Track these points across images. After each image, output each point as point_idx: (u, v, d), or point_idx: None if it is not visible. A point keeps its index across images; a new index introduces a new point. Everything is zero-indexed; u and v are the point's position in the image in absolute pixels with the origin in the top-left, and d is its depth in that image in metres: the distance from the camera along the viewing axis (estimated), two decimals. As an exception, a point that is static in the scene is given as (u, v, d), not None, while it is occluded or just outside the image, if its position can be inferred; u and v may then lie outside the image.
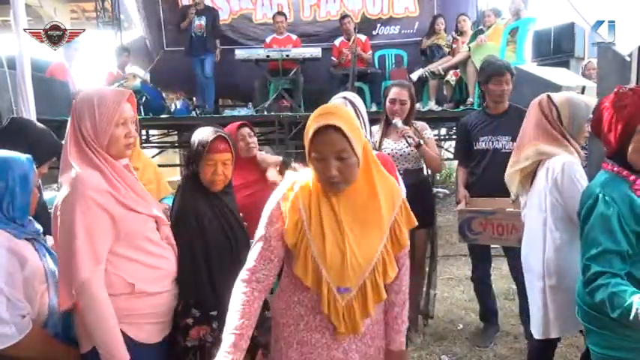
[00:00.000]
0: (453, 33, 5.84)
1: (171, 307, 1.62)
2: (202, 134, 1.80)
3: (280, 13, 6.45)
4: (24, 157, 1.53)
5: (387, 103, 2.90)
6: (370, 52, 6.14)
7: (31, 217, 1.58)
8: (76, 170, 1.43)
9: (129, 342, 1.45)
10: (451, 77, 5.70)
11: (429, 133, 2.98)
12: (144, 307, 1.51)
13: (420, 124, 2.98)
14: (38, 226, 1.59)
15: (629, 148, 1.49)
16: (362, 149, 1.33)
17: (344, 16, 6.25)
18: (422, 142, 2.77)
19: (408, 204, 1.47)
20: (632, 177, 1.51)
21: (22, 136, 1.91)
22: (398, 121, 2.80)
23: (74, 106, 1.51)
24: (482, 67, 3.05)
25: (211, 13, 6.48)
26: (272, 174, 2.49)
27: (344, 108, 1.50)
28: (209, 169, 1.76)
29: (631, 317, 1.30)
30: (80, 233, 1.38)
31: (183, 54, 6.48)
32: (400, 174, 2.38)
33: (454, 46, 5.79)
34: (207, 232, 1.72)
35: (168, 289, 1.60)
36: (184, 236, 1.70)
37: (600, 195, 1.49)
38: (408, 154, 2.86)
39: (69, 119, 1.52)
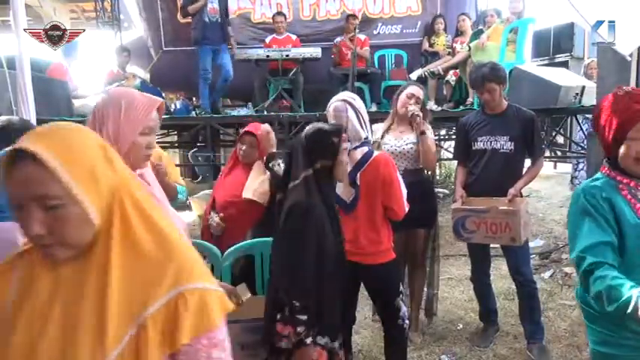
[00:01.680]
0: (449, 37, 5.85)
1: None
2: (325, 126, 1.80)
3: (280, 13, 6.44)
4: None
5: (403, 97, 2.90)
6: (367, 48, 6.13)
7: None
8: None
9: None
10: (451, 77, 5.70)
11: (431, 134, 3.00)
12: None
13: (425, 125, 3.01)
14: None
15: (620, 152, 1.48)
16: (108, 191, 0.86)
17: (351, 16, 6.23)
18: (426, 131, 2.80)
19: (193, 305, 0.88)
20: (624, 179, 1.49)
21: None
22: (413, 106, 2.82)
23: (97, 105, 1.41)
24: (469, 75, 3.11)
25: None
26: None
27: (67, 127, 0.90)
28: (342, 160, 1.74)
29: (629, 310, 1.28)
30: None
31: (192, 42, 5.87)
32: (400, 173, 2.38)
33: (454, 45, 5.78)
34: (327, 233, 1.70)
35: None
36: (309, 233, 1.66)
37: (582, 192, 1.51)
38: (408, 151, 2.86)
39: (88, 118, 1.42)
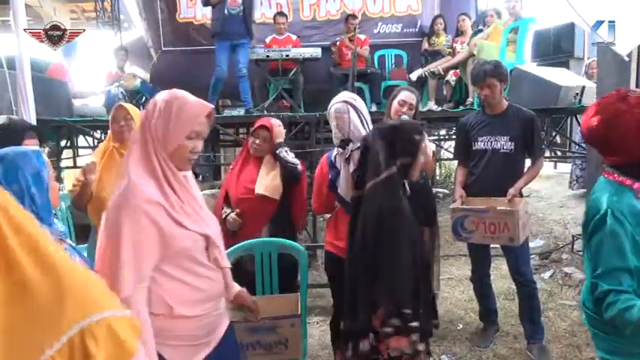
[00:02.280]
0: (449, 37, 5.84)
1: (212, 328, 1.51)
2: (406, 123, 1.81)
3: (281, 13, 6.43)
4: (31, 152, 1.45)
5: (396, 105, 2.86)
6: (367, 47, 6.12)
7: (55, 218, 1.52)
8: (130, 177, 1.34)
9: None
10: (451, 77, 5.70)
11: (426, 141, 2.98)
12: (182, 329, 1.42)
13: None
14: (61, 226, 1.54)
15: None
16: None
17: (351, 16, 6.23)
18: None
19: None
20: (636, 184, 1.46)
21: None
22: (405, 117, 2.80)
23: (152, 103, 1.43)
24: (471, 71, 3.10)
25: None
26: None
27: None
28: (421, 158, 1.73)
29: None
30: (126, 246, 1.27)
31: (210, 33, 5.57)
32: None
33: (454, 45, 5.78)
34: (416, 236, 1.69)
35: (210, 312, 1.48)
36: (403, 237, 1.64)
37: (609, 210, 1.42)
38: None
39: (141, 115, 1.43)
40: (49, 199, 1.45)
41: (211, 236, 1.47)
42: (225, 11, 5.31)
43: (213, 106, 1.50)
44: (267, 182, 2.60)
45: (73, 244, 1.54)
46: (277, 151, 2.62)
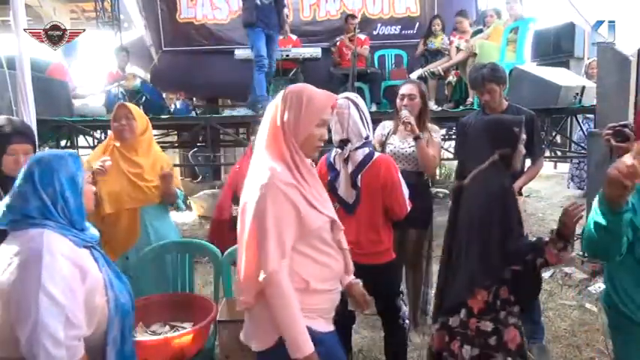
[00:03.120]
0: (447, 38, 5.83)
1: (334, 306, 1.63)
2: (505, 117, 1.91)
3: None
4: (68, 155, 1.48)
5: (398, 100, 2.92)
6: (367, 46, 6.12)
7: (88, 223, 1.54)
8: (267, 162, 1.47)
9: (310, 331, 1.45)
10: (452, 78, 5.70)
11: (437, 137, 2.98)
12: (316, 302, 1.52)
13: (432, 127, 2.99)
14: (94, 232, 1.55)
15: None
16: None
17: (351, 16, 6.22)
18: (421, 135, 2.77)
19: None
20: None
21: None
22: (405, 111, 2.81)
23: (285, 95, 1.54)
24: (469, 76, 3.10)
25: None
26: None
27: None
28: (521, 150, 1.83)
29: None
30: (270, 224, 1.39)
31: (242, 23, 5.35)
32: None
33: (452, 38, 5.74)
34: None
35: (335, 288, 1.62)
36: (512, 216, 1.72)
37: None
38: (410, 154, 2.86)
39: (275, 108, 1.54)
40: (82, 203, 1.47)
41: (336, 219, 1.60)
42: (258, 1, 5.12)
43: (337, 97, 1.66)
44: None
45: (102, 252, 1.55)
46: None
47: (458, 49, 5.47)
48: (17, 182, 1.43)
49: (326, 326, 1.56)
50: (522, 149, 1.88)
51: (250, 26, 5.18)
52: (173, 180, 2.64)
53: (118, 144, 2.62)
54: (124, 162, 2.59)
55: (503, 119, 2.01)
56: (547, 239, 1.70)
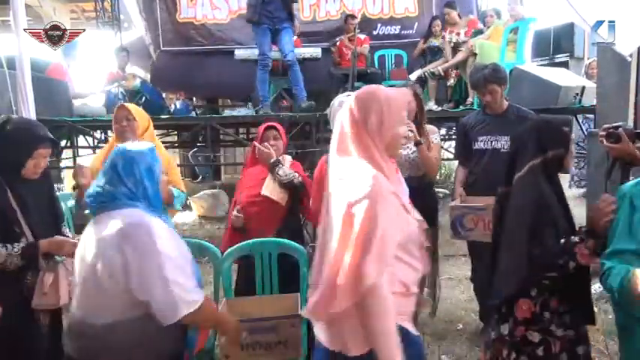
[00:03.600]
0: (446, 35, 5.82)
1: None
2: (553, 117, 1.92)
3: None
4: (146, 148, 1.66)
5: None
6: (367, 45, 6.11)
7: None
8: (365, 168, 1.44)
9: (405, 333, 1.46)
10: (453, 80, 5.69)
11: (436, 139, 2.96)
12: (409, 305, 1.54)
13: (430, 128, 2.97)
14: (169, 221, 1.73)
15: None
16: None
17: (350, 16, 6.22)
18: (422, 141, 2.77)
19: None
20: None
21: None
22: None
23: (358, 97, 1.52)
24: (470, 76, 3.10)
25: None
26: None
27: None
28: (572, 150, 1.85)
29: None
30: (378, 234, 1.37)
31: (246, 18, 5.17)
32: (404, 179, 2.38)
33: (444, 33, 5.72)
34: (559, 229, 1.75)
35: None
36: (544, 228, 1.71)
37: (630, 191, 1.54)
38: (413, 160, 2.84)
39: (350, 113, 1.51)
40: (159, 191, 1.66)
41: (422, 220, 1.60)
42: None
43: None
44: (273, 185, 2.60)
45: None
46: (275, 171, 2.57)
47: (453, 47, 5.47)
48: (103, 170, 1.63)
49: (413, 328, 1.56)
50: (574, 149, 1.88)
51: (254, 23, 5.04)
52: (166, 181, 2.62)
53: (119, 144, 2.61)
54: None
55: (550, 119, 1.97)
56: (577, 239, 1.68)
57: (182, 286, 1.52)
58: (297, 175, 2.60)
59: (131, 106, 2.68)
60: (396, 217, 1.43)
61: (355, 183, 1.43)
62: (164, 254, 1.51)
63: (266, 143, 2.63)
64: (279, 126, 2.74)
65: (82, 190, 2.47)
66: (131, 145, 1.67)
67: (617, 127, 1.92)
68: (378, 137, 1.47)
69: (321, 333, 1.52)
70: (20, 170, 1.95)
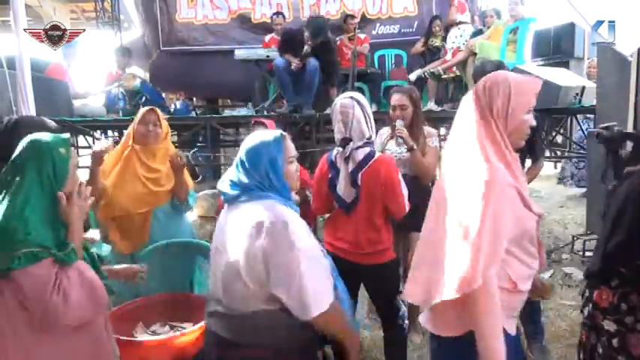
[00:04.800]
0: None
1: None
2: None
3: (279, 13, 6.43)
4: (272, 140, 1.65)
5: (390, 110, 2.92)
6: (367, 45, 6.11)
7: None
8: (484, 158, 1.40)
9: (506, 332, 1.44)
10: (448, 75, 5.70)
11: (434, 142, 2.94)
12: (515, 302, 1.50)
13: (429, 131, 2.96)
14: (295, 207, 1.69)
15: None
16: None
17: (350, 16, 6.22)
18: (415, 146, 2.75)
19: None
20: None
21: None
22: (399, 122, 2.80)
23: (485, 83, 1.48)
24: (474, 70, 3.11)
25: None
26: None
27: None
28: None
29: None
30: (489, 227, 1.33)
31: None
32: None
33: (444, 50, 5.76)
34: None
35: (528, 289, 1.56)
36: None
37: None
38: (407, 158, 2.84)
39: (474, 101, 1.48)
40: (284, 181, 1.65)
41: (542, 212, 1.54)
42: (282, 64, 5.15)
43: (540, 82, 1.56)
44: None
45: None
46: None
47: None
48: (235, 162, 1.67)
49: (514, 328, 1.53)
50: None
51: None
52: (184, 165, 2.58)
53: (138, 147, 2.57)
54: (140, 166, 2.55)
55: None
56: None
57: (316, 285, 1.49)
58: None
59: (159, 111, 2.64)
60: (512, 211, 1.39)
61: (472, 173, 1.40)
62: (301, 250, 1.50)
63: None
64: (269, 122, 2.74)
65: (96, 178, 2.39)
66: (256, 136, 1.68)
67: (607, 128, 1.93)
68: (504, 123, 1.45)
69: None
70: None
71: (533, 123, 1.50)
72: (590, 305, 1.79)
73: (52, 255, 1.44)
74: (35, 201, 1.45)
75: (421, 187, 2.91)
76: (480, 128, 1.45)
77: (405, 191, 2.34)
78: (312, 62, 5.01)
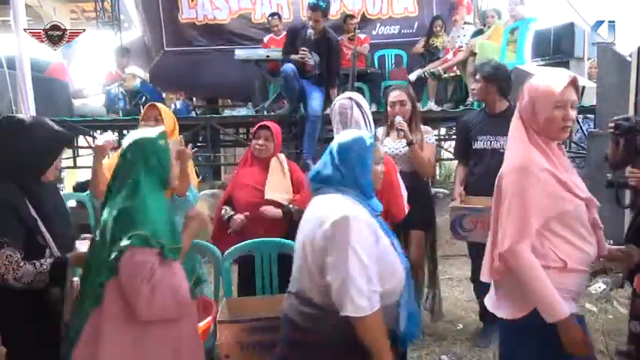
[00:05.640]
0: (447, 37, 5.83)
1: (583, 290, 1.71)
2: None
3: (275, 14, 6.41)
4: (361, 138, 1.69)
5: (388, 108, 2.92)
6: (367, 45, 6.10)
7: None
8: (522, 148, 1.60)
9: None
10: (448, 74, 5.70)
11: (430, 139, 2.97)
12: (571, 283, 1.59)
13: (425, 128, 2.98)
14: (378, 204, 1.72)
15: None
16: None
17: (349, 16, 6.21)
18: (414, 140, 2.77)
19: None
20: None
21: (14, 141, 1.74)
22: (398, 117, 2.81)
23: (526, 84, 1.67)
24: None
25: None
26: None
27: None
28: None
29: None
30: (519, 205, 1.54)
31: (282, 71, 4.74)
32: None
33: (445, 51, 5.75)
34: None
35: (586, 271, 1.65)
36: None
37: None
38: (404, 154, 2.85)
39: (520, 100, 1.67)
40: (370, 179, 1.69)
41: (591, 198, 1.65)
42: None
43: (575, 75, 1.70)
44: (276, 187, 2.61)
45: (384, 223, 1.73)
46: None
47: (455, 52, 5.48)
48: (324, 156, 1.72)
49: (571, 308, 1.58)
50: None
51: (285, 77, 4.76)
52: (189, 157, 2.53)
53: None
54: None
55: None
56: None
57: (358, 288, 1.48)
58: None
59: (161, 106, 2.64)
60: (545, 192, 1.53)
61: (508, 159, 1.62)
62: (353, 249, 1.50)
63: (270, 207, 2.61)
64: (273, 126, 2.74)
65: (99, 173, 2.40)
66: (350, 133, 1.74)
67: (627, 119, 1.96)
68: (534, 121, 1.60)
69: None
70: (41, 173, 1.80)
71: (572, 116, 1.60)
72: (633, 291, 1.90)
73: (160, 246, 1.54)
74: (151, 194, 1.59)
75: (418, 183, 2.92)
76: (518, 126, 1.64)
77: (404, 193, 2.34)
78: (315, 108, 4.73)
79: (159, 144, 1.67)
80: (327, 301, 1.52)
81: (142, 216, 1.53)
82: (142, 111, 2.62)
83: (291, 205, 2.61)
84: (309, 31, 4.70)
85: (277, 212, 2.59)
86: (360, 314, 1.46)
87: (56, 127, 1.88)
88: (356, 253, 1.49)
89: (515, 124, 1.65)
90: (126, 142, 1.68)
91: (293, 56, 4.69)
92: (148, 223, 1.52)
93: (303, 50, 4.59)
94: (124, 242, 1.48)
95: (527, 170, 1.54)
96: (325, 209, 1.58)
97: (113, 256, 1.49)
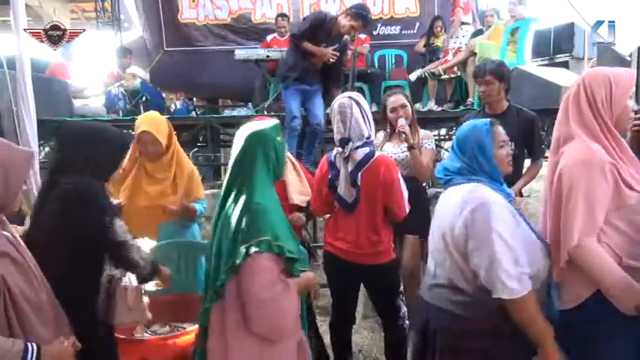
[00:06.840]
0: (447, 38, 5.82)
1: None
2: None
3: (282, 15, 6.41)
4: (481, 124, 1.71)
5: (389, 114, 2.88)
6: (367, 45, 6.10)
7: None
8: (585, 142, 1.58)
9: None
10: (449, 75, 5.69)
11: (429, 144, 2.93)
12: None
13: (424, 133, 2.96)
14: (508, 190, 1.72)
15: None
16: None
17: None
18: (414, 144, 2.75)
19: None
20: None
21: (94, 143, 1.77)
22: (401, 120, 2.79)
23: (586, 78, 1.64)
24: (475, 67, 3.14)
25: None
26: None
27: None
28: None
29: None
30: (583, 199, 1.52)
31: (280, 80, 4.75)
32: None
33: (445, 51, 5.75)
34: None
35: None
36: None
37: None
38: (403, 159, 2.83)
39: (575, 95, 1.64)
40: (494, 164, 1.68)
41: None
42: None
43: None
44: (298, 188, 2.62)
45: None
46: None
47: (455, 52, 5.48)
48: (450, 152, 1.76)
49: None
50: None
51: (284, 81, 4.63)
52: (184, 209, 2.61)
53: (145, 162, 2.61)
54: (147, 179, 2.59)
55: None
56: None
57: (506, 270, 1.48)
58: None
59: (152, 128, 2.51)
60: (606, 186, 1.52)
61: (569, 153, 1.59)
62: (497, 232, 1.50)
63: (298, 215, 2.61)
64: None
65: None
66: (467, 123, 1.76)
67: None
68: (609, 112, 1.59)
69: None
70: (113, 173, 1.85)
71: (636, 107, 1.64)
72: None
73: (287, 256, 1.54)
74: (269, 192, 1.64)
75: (417, 188, 2.90)
76: (582, 119, 1.61)
77: (405, 193, 2.34)
78: (319, 117, 4.57)
79: (277, 139, 1.68)
80: (478, 286, 1.54)
81: (267, 219, 1.54)
82: (136, 127, 2.55)
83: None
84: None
85: (303, 219, 2.64)
86: (513, 296, 1.46)
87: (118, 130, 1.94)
88: (500, 236, 1.49)
89: (576, 118, 1.62)
90: (241, 135, 1.67)
91: (312, 46, 4.41)
92: (271, 226, 1.53)
93: (333, 51, 4.44)
94: (253, 248, 1.48)
95: (591, 164, 1.53)
96: (461, 198, 1.60)
97: (238, 260, 1.49)
